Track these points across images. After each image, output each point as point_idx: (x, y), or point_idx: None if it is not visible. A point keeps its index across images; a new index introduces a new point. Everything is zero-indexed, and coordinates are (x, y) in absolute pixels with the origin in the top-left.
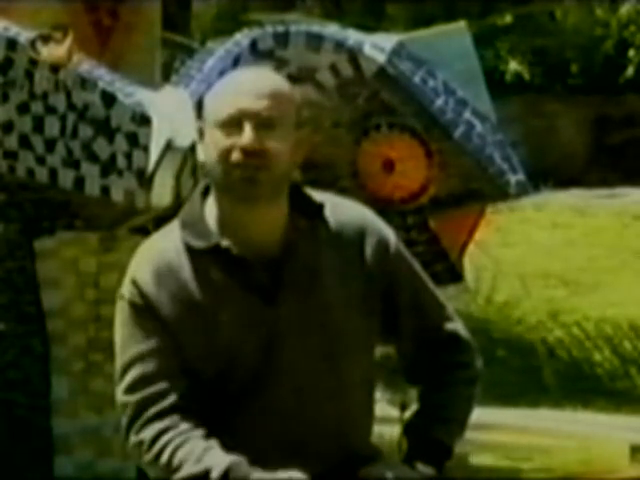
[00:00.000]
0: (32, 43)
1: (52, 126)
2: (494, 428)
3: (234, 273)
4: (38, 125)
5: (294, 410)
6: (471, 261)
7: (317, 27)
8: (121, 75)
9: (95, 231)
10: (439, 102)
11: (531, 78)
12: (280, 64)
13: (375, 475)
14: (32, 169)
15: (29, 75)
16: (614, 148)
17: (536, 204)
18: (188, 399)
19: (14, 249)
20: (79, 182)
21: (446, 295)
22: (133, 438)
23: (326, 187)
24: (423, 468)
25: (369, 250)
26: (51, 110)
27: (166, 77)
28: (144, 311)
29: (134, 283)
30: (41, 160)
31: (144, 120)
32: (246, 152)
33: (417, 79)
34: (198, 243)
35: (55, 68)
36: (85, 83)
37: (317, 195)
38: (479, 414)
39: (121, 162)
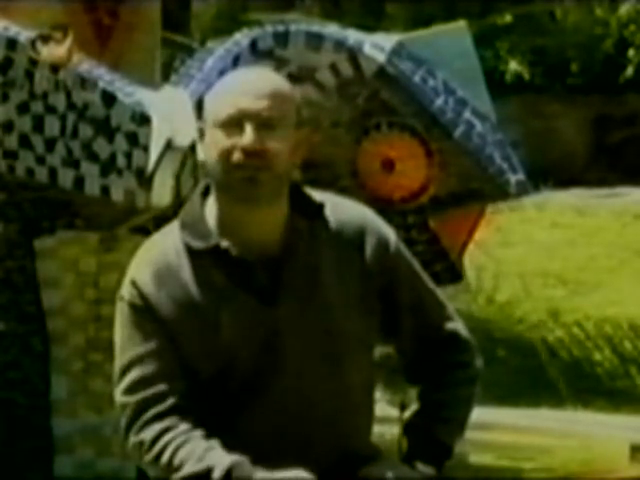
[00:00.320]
0: (32, 43)
1: (52, 126)
2: (494, 428)
3: (234, 273)
4: (38, 125)
5: (294, 410)
6: (471, 261)
7: (317, 27)
8: (121, 75)
9: (95, 231)
10: (439, 102)
11: (531, 78)
12: (280, 64)
13: (375, 475)
14: (32, 169)
15: (29, 75)
16: (614, 148)
17: (536, 204)
18: (188, 400)
19: (14, 248)
20: (79, 182)
21: (446, 295)
22: (133, 438)
23: (326, 186)
24: (423, 468)
25: (369, 249)
26: (51, 110)
27: (166, 77)
28: (144, 312)
29: (134, 284)
30: (41, 160)
31: (144, 120)
32: (246, 152)
33: (417, 79)
34: (198, 244)
35: (55, 68)
36: (85, 83)
37: (317, 195)
38: (479, 414)
39: (121, 162)
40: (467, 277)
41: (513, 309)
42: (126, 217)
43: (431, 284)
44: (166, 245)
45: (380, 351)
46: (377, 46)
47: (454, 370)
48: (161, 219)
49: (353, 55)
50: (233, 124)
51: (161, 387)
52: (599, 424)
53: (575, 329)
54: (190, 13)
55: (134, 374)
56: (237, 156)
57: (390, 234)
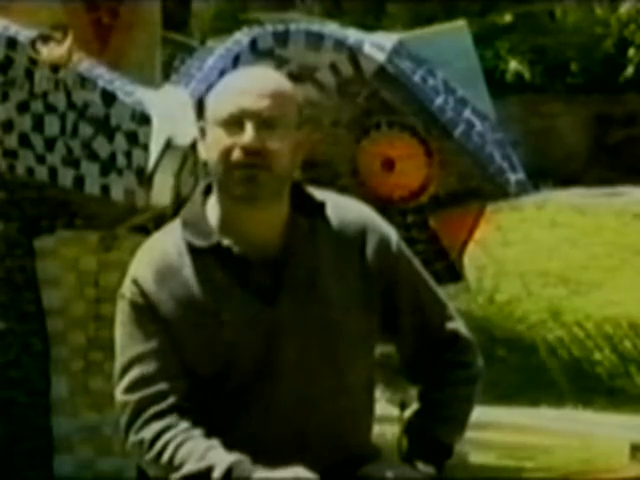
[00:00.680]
0: (32, 43)
1: (52, 125)
2: (495, 427)
3: (235, 272)
4: (38, 124)
5: (294, 409)
6: (471, 260)
7: (317, 26)
8: (121, 74)
9: (95, 230)
10: (439, 101)
11: (531, 77)
12: (280, 63)
13: (375, 475)
14: (32, 168)
15: (29, 74)
16: (614, 147)
17: (536, 203)
18: (188, 399)
19: (14, 248)
20: (79, 181)
21: (446, 294)
22: (133, 437)
23: (326, 186)
24: (423, 467)
25: (370, 249)
26: (51, 109)
27: (166, 76)
28: (145, 311)
29: (135, 282)
30: (41, 159)
31: (144, 119)
32: (247, 151)
33: (417, 78)
34: (199, 242)
35: (55, 67)
36: (85, 82)
37: (318, 194)
38: (480, 413)
39: (121, 161)
40: (467, 276)
41: (513, 308)
42: (126, 216)
43: (432, 283)
44: (167, 244)
45: (380, 350)
46: (377, 45)
47: (454, 369)
48: (161, 218)
49: (353, 54)
50: (234, 123)
51: (161, 386)
52: (599, 423)
53: (575, 328)
54: (190, 12)
55: (134, 373)
56: (237, 155)
57: (391, 233)
